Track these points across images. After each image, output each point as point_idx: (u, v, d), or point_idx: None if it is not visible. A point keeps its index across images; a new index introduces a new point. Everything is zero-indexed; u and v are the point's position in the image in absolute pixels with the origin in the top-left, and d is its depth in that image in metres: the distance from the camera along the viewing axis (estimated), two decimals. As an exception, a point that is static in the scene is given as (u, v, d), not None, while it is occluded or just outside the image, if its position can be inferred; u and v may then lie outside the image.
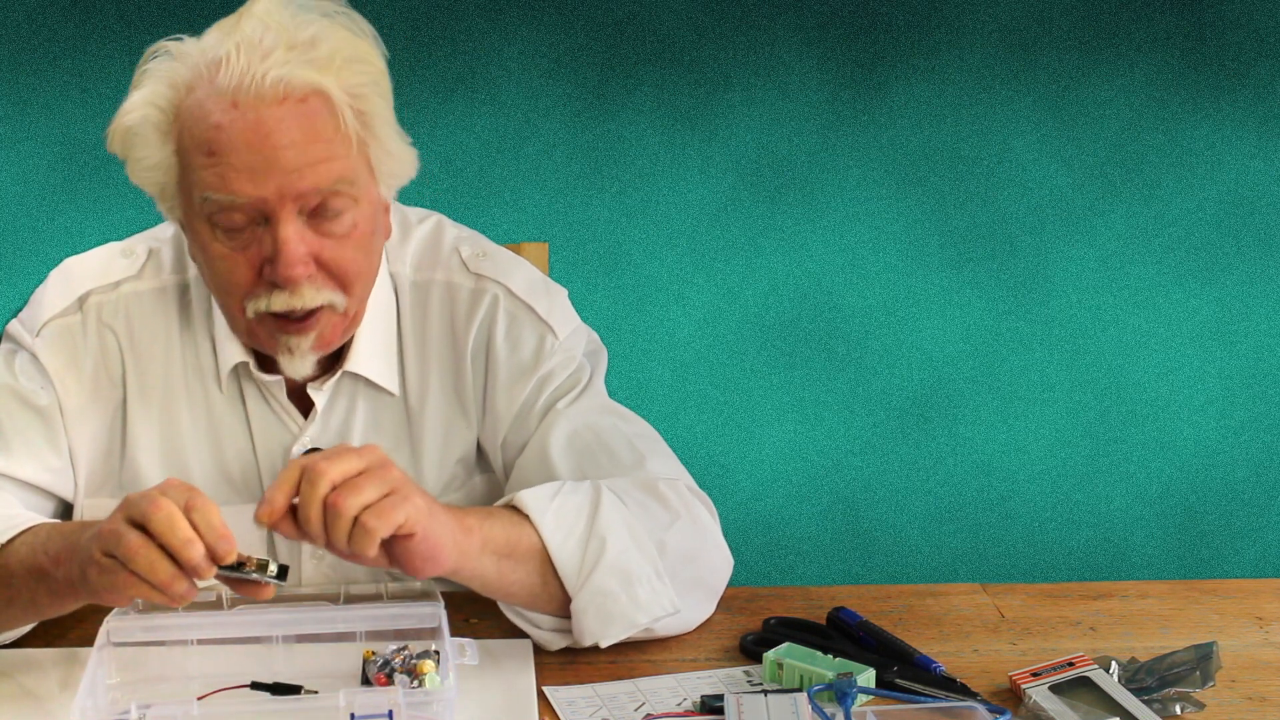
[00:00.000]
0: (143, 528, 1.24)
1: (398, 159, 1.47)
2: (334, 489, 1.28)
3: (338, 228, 1.43)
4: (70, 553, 1.33)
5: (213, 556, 1.25)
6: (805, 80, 2.93)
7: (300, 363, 1.48)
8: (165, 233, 1.61)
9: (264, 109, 1.37)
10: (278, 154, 1.37)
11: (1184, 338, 3.07)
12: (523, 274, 1.61)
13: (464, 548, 1.37)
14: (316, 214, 1.41)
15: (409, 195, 1.69)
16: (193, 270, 1.57)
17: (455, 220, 1.67)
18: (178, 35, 1.44)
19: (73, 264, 1.59)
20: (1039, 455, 3.09)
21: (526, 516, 1.43)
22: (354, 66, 1.41)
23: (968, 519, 3.11)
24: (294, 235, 1.40)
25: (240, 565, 1.27)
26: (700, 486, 1.58)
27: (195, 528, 1.24)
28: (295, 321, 1.45)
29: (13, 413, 1.54)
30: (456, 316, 1.59)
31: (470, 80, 2.87)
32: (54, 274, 1.59)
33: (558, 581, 1.43)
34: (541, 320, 1.59)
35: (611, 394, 1.65)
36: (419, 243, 1.61)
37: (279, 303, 1.43)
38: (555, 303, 1.61)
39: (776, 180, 2.96)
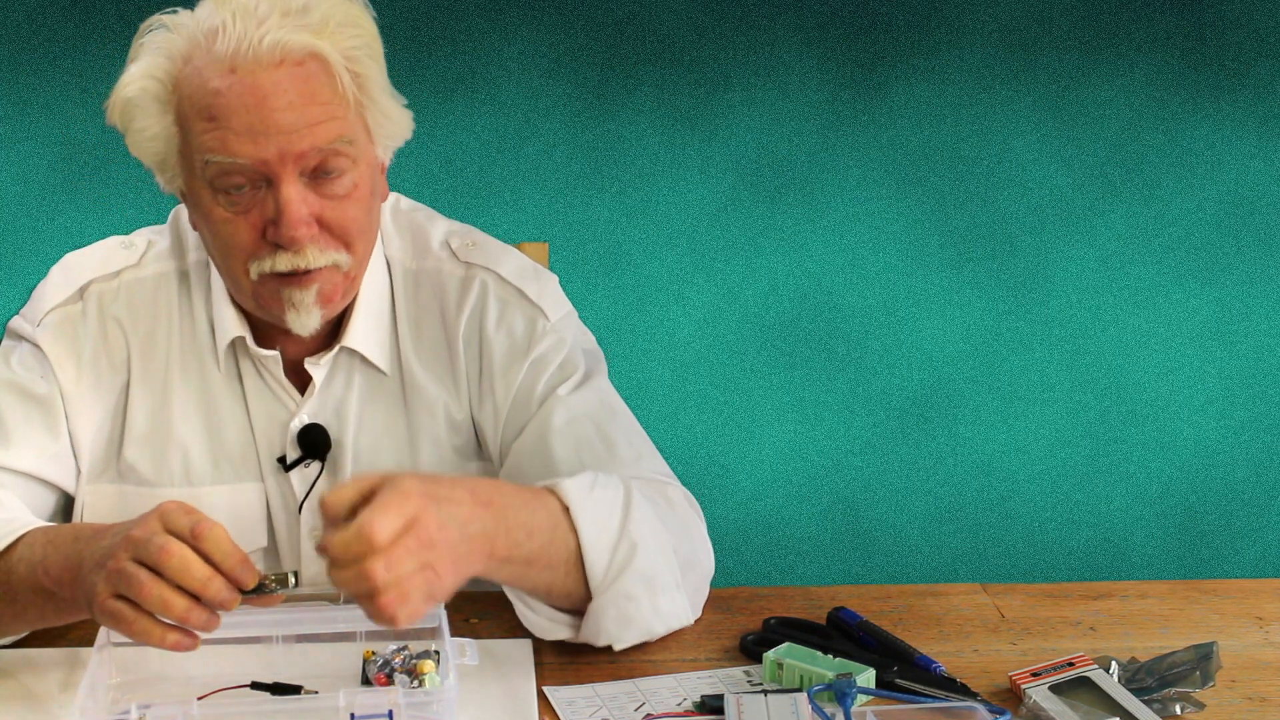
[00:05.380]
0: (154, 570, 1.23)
1: (394, 120, 1.50)
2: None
3: (339, 188, 1.45)
4: (72, 576, 1.32)
5: (236, 584, 1.24)
6: (805, 80, 2.93)
7: (306, 317, 1.48)
8: (164, 228, 1.62)
9: (261, 73, 1.39)
10: (276, 115, 1.39)
11: (1184, 338, 3.07)
12: (512, 261, 1.62)
13: (487, 571, 1.33)
14: (317, 175, 1.43)
15: (410, 193, 1.70)
16: (192, 257, 1.59)
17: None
18: (172, 9, 1.46)
19: (73, 257, 1.60)
20: (1039, 455, 3.09)
21: (566, 509, 1.39)
22: (347, 30, 1.44)
23: (968, 519, 3.11)
24: (296, 196, 1.42)
25: (261, 586, 1.25)
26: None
27: (209, 557, 1.23)
28: (299, 276, 1.45)
29: (12, 406, 1.54)
30: (446, 304, 1.59)
31: (470, 80, 2.87)
32: (55, 268, 1.60)
33: (581, 579, 1.40)
34: (532, 303, 1.59)
35: (611, 394, 1.65)
36: (411, 232, 1.63)
37: (283, 263, 1.44)
38: (546, 287, 1.62)
39: (776, 180, 2.96)
